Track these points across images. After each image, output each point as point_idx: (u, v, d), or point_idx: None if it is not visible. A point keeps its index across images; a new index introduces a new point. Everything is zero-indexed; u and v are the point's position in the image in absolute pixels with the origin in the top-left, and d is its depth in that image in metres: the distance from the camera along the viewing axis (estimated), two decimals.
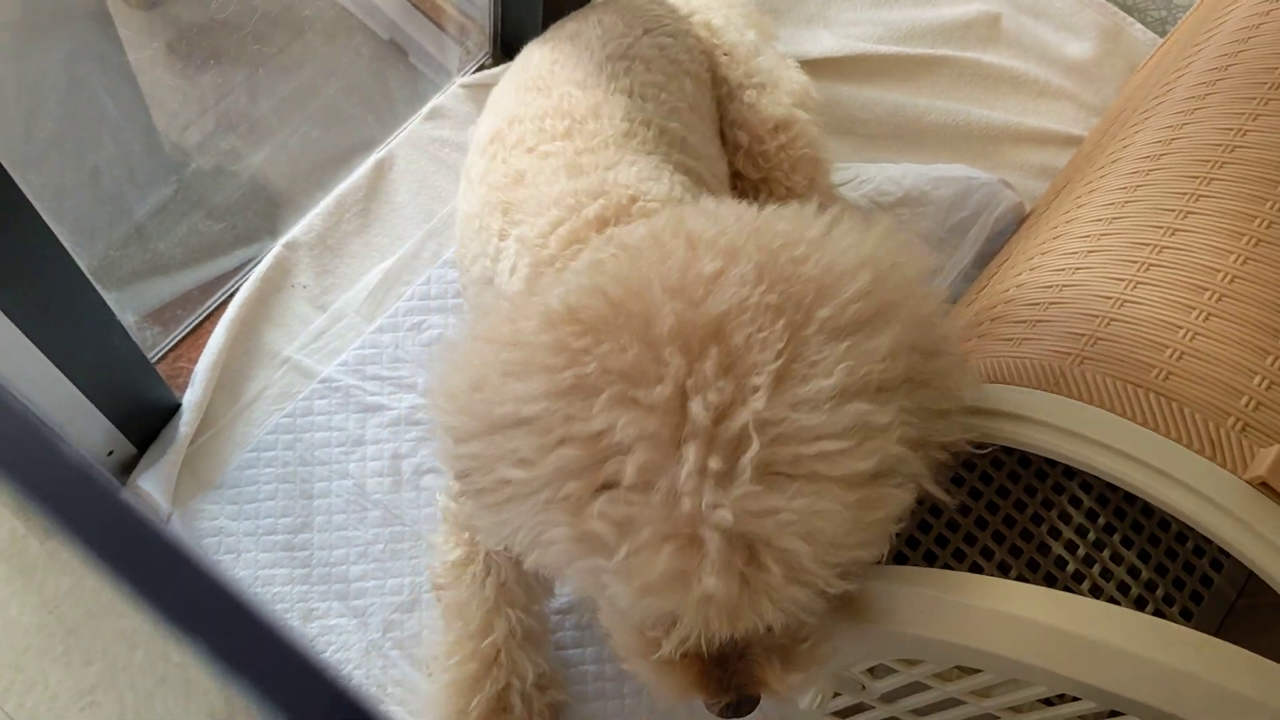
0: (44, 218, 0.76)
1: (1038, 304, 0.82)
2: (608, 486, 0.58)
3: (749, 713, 0.70)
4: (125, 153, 1.27)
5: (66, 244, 0.81)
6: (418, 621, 1.05)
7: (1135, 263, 0.79)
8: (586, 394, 0.59)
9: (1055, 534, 1.16)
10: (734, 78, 1.07)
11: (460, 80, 1.31)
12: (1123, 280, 0.78)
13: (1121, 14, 1.46)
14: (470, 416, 0.65)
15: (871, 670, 0.81)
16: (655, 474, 0.57)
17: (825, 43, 1.38)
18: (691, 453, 0.56)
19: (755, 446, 0.56)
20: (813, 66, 1.32)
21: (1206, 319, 0.74)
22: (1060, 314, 0.80)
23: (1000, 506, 1.16)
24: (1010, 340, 0.80)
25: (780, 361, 0.58)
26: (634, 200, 0.82)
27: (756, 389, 0.57)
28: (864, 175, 1.30)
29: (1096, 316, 0.77)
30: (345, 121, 1.32)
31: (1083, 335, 0.76)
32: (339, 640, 1.03)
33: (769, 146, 1.06)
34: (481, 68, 1.33)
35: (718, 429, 0.56)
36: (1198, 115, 0.89)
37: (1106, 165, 0.93)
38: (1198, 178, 0.83)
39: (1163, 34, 1.44)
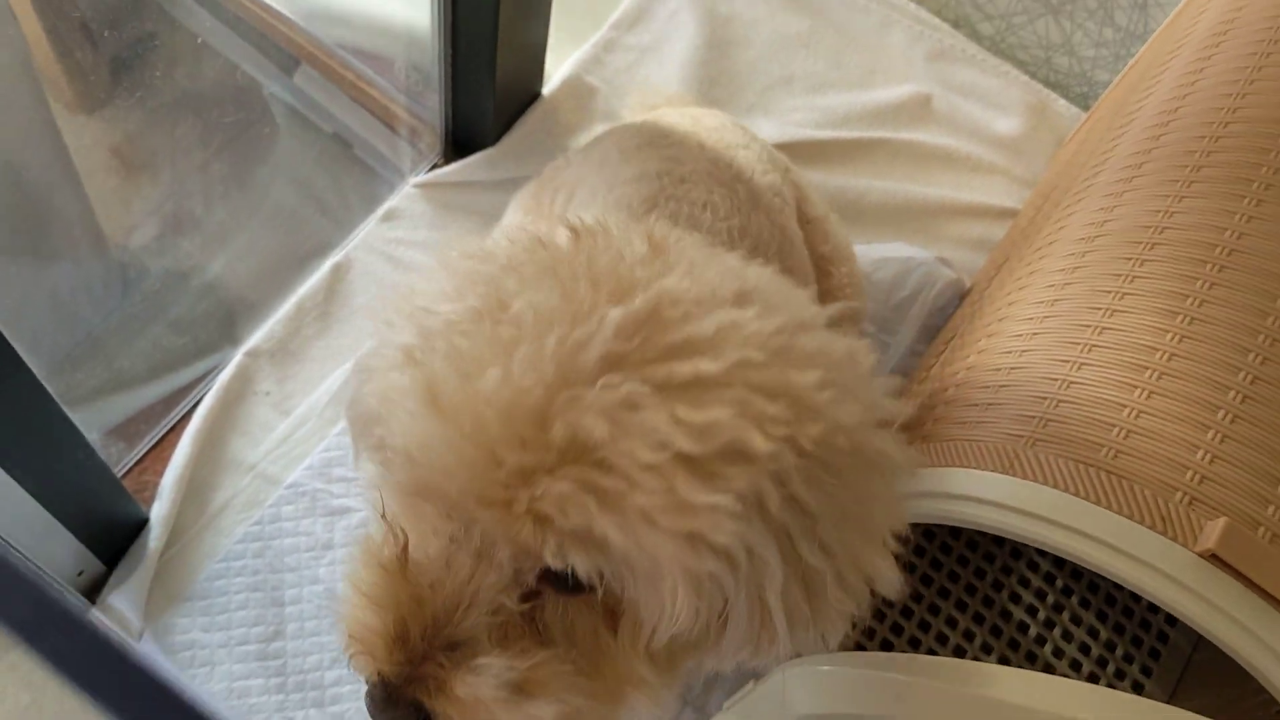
0: (6, 337, 0.77)
1: (988, 386, 0.85)
2: None
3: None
4: (79, 265, 1.27)
5: (29, 363, 0.82)
6: None
7: (1078, 344, 0.83)
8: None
9: (1016, 599, 1.18)
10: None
11: (414, 180, 1.34)
12: (1067, 362, 0.82)
13: (1046, 90, 1.53)
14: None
15: None
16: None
17: (766, 130, 1.42)
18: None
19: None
20: None
21: (1149, 397, 0.77)
22: (1010, 396, 0.83)
23: (961, 575, 1.18)
24: (964, 424, 0.84)
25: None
26: None
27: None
28: None
29: (1045, 398, 0.81)
30: (300, 225, 1.34)
31: (1033, 417, 0.80)
32: None
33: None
34: (434, 167, 1.36)
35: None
36: (1126, 198, 0.93)
37: (1044, 247, 0.97)
38: (1130, 259, 0.87)
39: (1086, 108, 1.50)
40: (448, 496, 0.52)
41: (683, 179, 0.90)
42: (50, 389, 0.85)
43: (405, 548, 0.58)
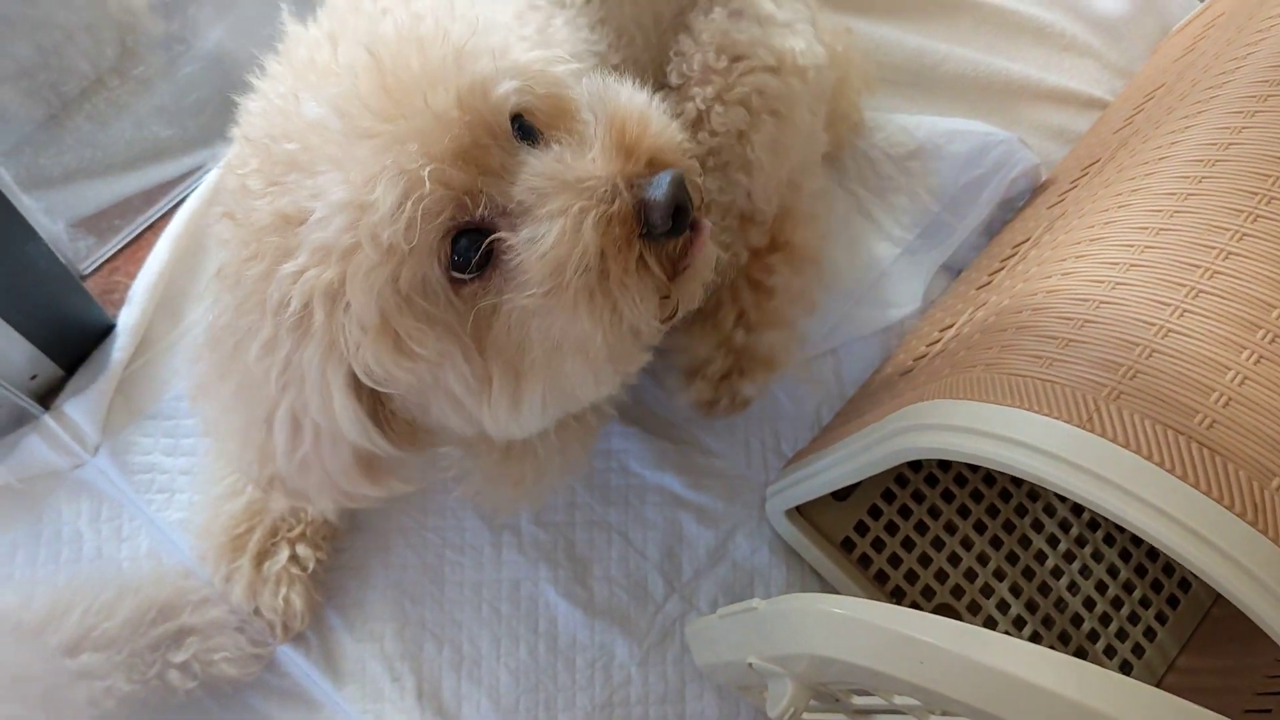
0: None
1: (1071, 319, 0.75)
2: None
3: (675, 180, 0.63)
4: (73, 11, 1.12)
5: None
6: (361, 581, 0.98)
7: (1182, 286, 0.72)
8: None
9: (1038, 527, 1.11)
10: None
11: None
12: (1167, 305, 0.71)
13: None
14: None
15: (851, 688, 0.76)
16: None
17: None
18: None
19: None
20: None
21: (1258, 361, 0.67)
22: (1096, 335, 0.72)
23: (985, 495, 1.11)
24: (1039, 359, 0.73)
25: None
26: None
27: None
28: (875, 122, 1.21)
29: (1137, 345, 0.70)
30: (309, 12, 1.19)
31: (1120, 365, 0.69)
32: None
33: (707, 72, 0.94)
34: None
35: None
36: (1258, 119, 0.80)
37: (1153, 162, 0.85)
38: (1256, 194, 0.75)
39: None
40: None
41: None
42: (5, 169, 0.74)
43: None
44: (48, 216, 0.91)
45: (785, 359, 1.04)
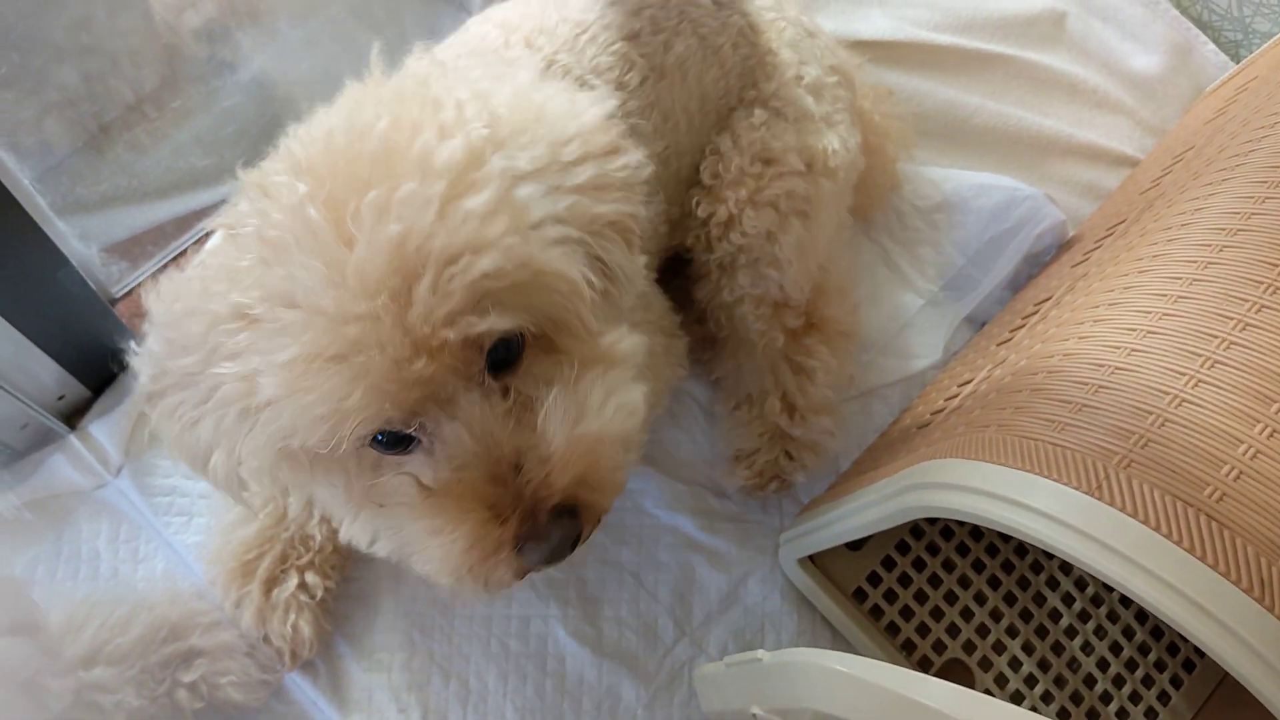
0: None
1: (1086, 384, 0.75)
2: None
3: (567, 539, 0.64)
4: (119, 37, 1.14)
5: (10, 164, 0.72)
6: (371, 610, 0.99)
7: (1198, 356, 0.72)
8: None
9: (1054, 584, 1.10)
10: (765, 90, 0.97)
11: (477, 16, 1.21)
12: (1182, 375, 0.71)
13: (1195, 31, 1.37)
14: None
15: None
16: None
17: (878, 24, 1.28)
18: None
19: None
20: (862, 48, 1.23)
21: (1271, 435, 0.67)
22: (1109, 401, 0.72)
23: (1000, 550, 1.10)
24: (1052, 422, 0.73)
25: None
26: None
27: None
28: (903, 175, 1.22)
29: (1149, 414, 0.70)
30: (352, 50, 1.22)
31: (1133, 433, 0.69)
32: None
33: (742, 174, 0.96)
34: None
35: None
36: None
37: (1175, 229, 0.85)
38: (1276, 266, 0.75)
39: (1236, 59, 1.35)
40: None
41: None
42: (41, 195, 0.76)
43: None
44: (81, 241, 0.93)
45: (831, 443, 1.07)
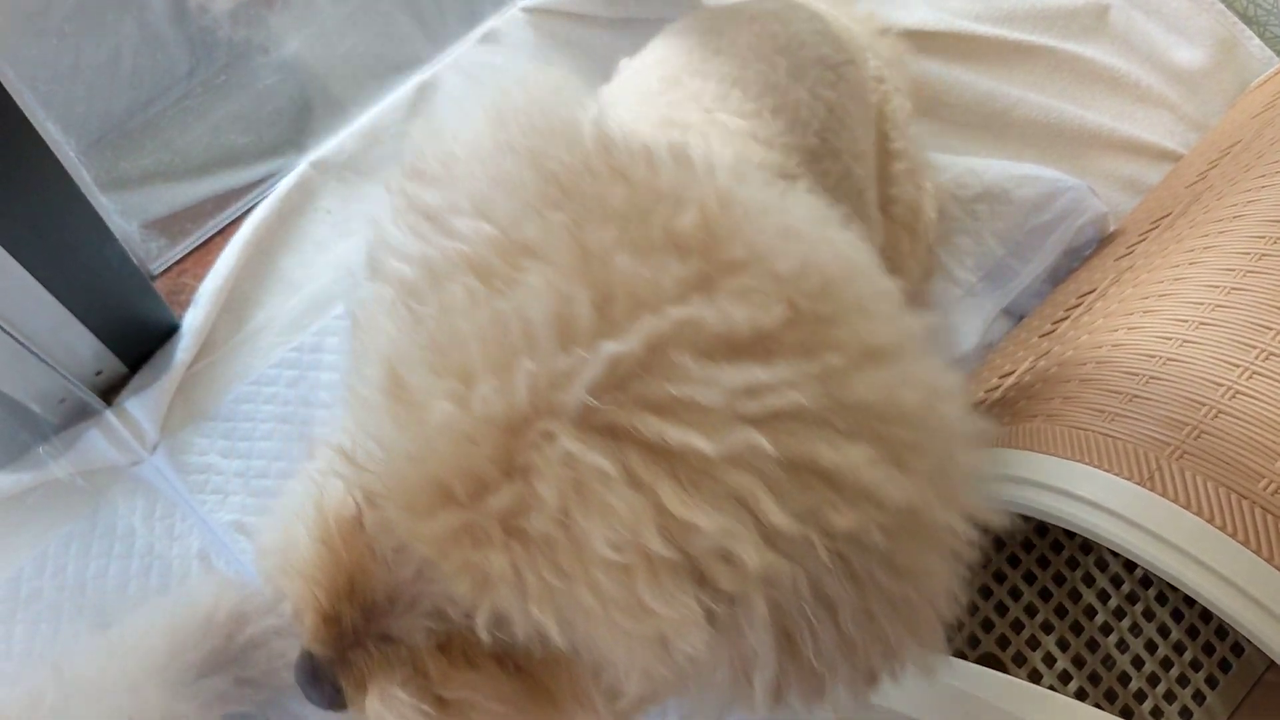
0: (25, 106, 0.67)
1: (1137, 375, 0.74)
2: None
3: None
4: (146, 23, 1.15)
5: (58, 137, 0.72)
6: None
7: (1253, 348, 0.71)
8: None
9: (1089, 581, 1.09)
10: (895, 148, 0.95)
11: (522, 4, 1.20)
12: (1236, 366, 0.70)
13: (1240, 25, 1.35)
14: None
15: None
16: None
17: (919, 13, 1.27)
18: None
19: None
20: (903, 38, 1.22)
21: None
22: (1161, 393, 0.71)
23: (1036, 545, 1.09)
24: (1102, 413, 0.72)
25: None
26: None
27: None
28: (943, 164, 1.20)
29: (1203, 405, 0.69)
30: (391, 30, 1.21)
31: (1185, 424, 0.68)
32: None
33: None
34: None
35: None
36: None
37: (1227, 220, 0.84)
38: None
39: None
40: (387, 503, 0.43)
41: (717, 50, 0.78)
42: (85, 169, 0.76)
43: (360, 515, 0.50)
44: (122, 217, 0.93)
45: None
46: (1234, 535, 0.63)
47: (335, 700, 0.51)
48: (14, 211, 0.72)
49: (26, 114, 0.65)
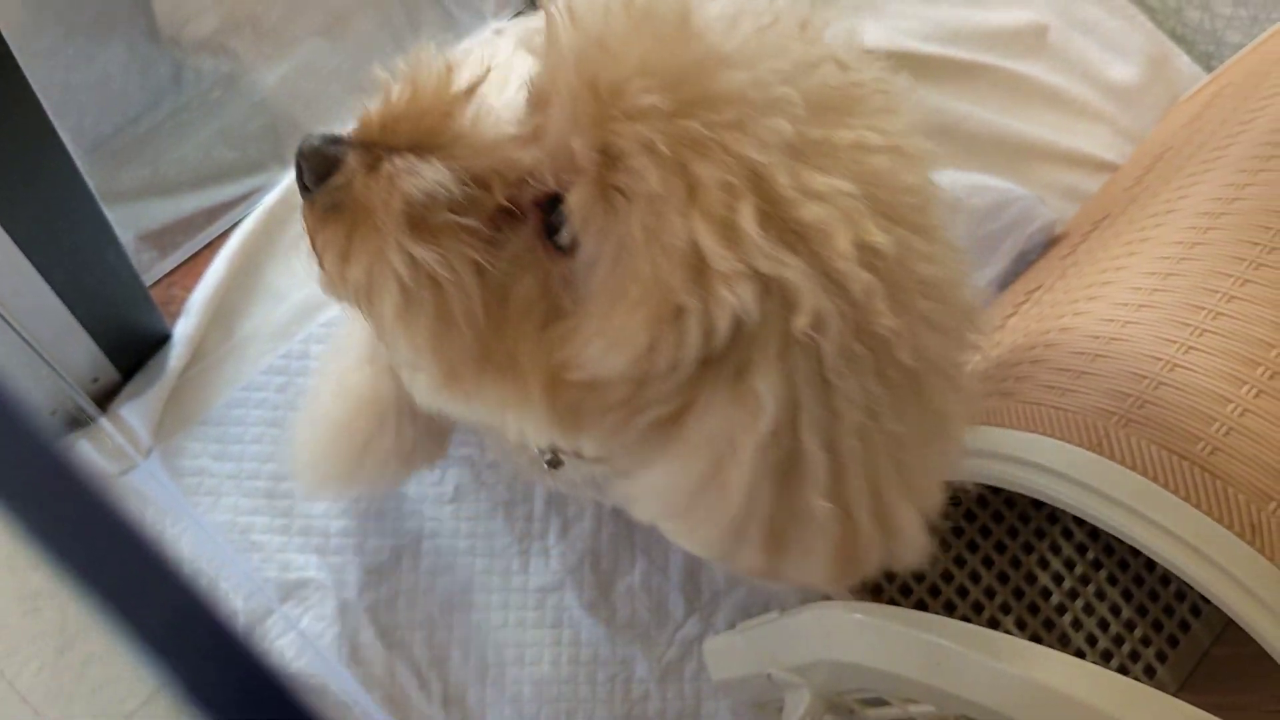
0: (50, 119, 0.71)
1: (1084, 353, 0.80)
2: None
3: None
4: (131, 49, 1.19)
5: (71, 150, 0.76)
6: (393, 586, 1.02)
7: (1187, 326, 0.77)
8: None
9: (1044, 564, 1.15)
10: None
11: (494, 26, 1.26)
12: (1173, 343, 0.76)
13: (1170, 43, 1.43)
14: None
15: (866, 699, 0.79)
16: None
17: (872, 34, 1.34)
18: None
19: None
20: None
21: (1257, 395, 0.72)
22: (1107, 369, 0.77)
23: (993, 531, 1.15)
24: (1052, 389, 0.78)
25: None
26: None
27: None
28: None
29: (1145, 378, 0.75)
30: (368, 56, 1.26)
31: (1129, 395, 0.74)
32: (314, 596, 1.00)
33: None
34: (518, 14, 1.28)
35: None
36: (1261, 178, 0.86)
37: (1161, 214, 0.90)
38: (1258, 244, 0.80)
39: (1209, 69, 1.41)
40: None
41: None
42: (89, 181, 0.79)
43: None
44: (118, 229, 0.96)
45: None
46: (1175, 492, 0.69)
47: (320, 175, 0.51)
48: (28, 212, 0.75)
49: (49, 116, 0.68)
